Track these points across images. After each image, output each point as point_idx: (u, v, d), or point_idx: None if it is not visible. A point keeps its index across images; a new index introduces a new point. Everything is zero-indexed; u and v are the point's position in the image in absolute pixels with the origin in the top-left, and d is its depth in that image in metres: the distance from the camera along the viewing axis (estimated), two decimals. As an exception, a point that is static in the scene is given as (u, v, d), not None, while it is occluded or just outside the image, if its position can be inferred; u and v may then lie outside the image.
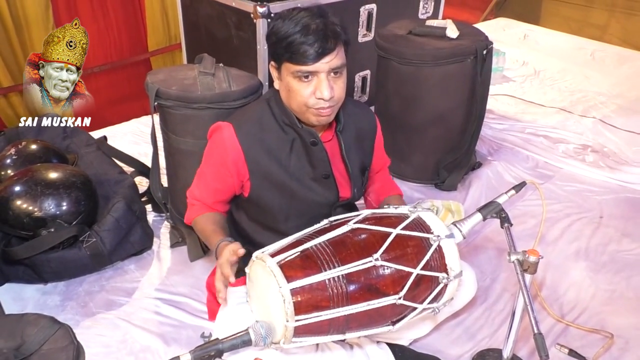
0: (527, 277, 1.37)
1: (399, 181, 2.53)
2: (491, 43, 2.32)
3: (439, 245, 1.31)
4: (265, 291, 1.22)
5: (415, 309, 1.31)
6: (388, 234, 1.28)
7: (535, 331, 1.24)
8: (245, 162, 1.38)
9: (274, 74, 1.36)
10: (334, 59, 1.27)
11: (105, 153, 2.20)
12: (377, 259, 1.23)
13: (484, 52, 2.28)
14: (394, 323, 1.32)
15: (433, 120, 2.35)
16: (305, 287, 1.18)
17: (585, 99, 3.46)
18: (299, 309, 1.16)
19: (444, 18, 2.74)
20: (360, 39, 2.93)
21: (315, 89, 1.28)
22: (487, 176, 2.51)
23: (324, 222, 1.32)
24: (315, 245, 1.26)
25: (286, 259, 1.22)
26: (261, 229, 1.51)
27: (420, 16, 3.26)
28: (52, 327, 1.19)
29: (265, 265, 1.20)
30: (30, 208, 1.73)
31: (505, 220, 1.45)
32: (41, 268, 1.77)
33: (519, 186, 1.51)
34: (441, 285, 1.31)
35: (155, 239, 2.08)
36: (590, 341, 1.68)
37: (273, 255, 1.22)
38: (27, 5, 2.95)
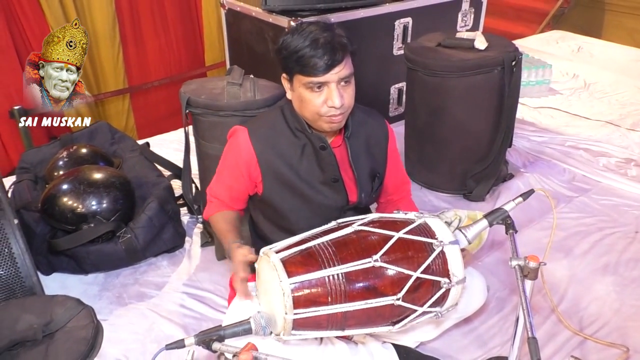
0: (528, 282, 1.37)
1: (427, 191, 2.55)
2: (520, 54, 2.31)
3: (442, 251, 1.33)
4: (269, 284, 1.30)
5: (415, 311, 1.34)
6: (390, 237, 1.32)
7: (529, 335, 1.24)
8: (258, 164, 1.47)
9: (286, 85, 1.44)
10: (342, 69, 1.34)
11: (146, 158, 2.39)
12: (376, 260, 1.27)
13: (512, 63, 2.27)
14: (394, 323, 1.35)
15: (460, 130, 2.36)
16: (305, 282, 1.25)
17: (637, 112, 3.32)
18: (297, 302, 1.23)
19: (489, 31, 2.72)
20: (395, 52, 2.99)
21: (326, 98, 1.35)
22: (518, 188, 2.48)
23: (332, 224, 1.39)
24: (319, 244, 1.32)
25: (289, 256, 1.29)
26: (276, 228, 1.59)
27: (459, 29, 3.28)
28: (77, 308, 1.33)
29: (269, 260, 1.28)
30: (74, 204, 1.92)
31: (510, 226, 1.46)
32: (82, 260, 1.94)
33: (527, 194, 1.51)
34: (443, 290, 1.33)
35: (187, 239, 2.22)
36: (607, 355, 1.63)
37: (278, 251, 1.30)
38: (97, 23, 3.26)
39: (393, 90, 3.15)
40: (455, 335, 1.70)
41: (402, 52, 2.90)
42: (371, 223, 1.39)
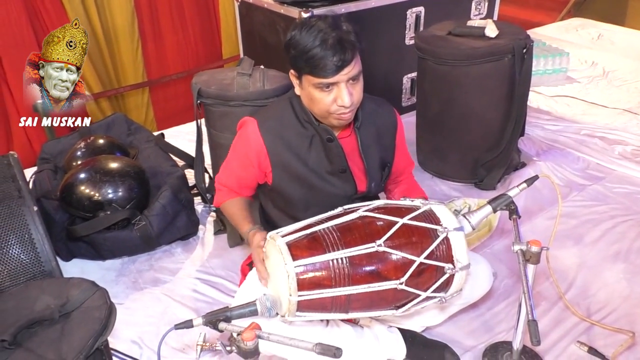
0: (530, 267, 1.38)
1: (439, 180, 2.55)
2: (531, 42, 2.29)
3: (446, 237, 1.35)
4: (275, 267, 1.34)
5: (418, 295, 1.36)
6: (394, 223, 1.35)
7: (530, 318, 1.25)
8: (267, 154, 1.51)
9: (295, 81, 1.46)
10: (352, 69, 1.35)
11: (161, 148, 2.45)
12: (380, 245, 1.30)
13: (523, 50, 2.25)
14: (397, 307, 1.38)
15: (470, 119, 2.36)
16: (309, 265, 1.29)
17: (657, 100, 3.26)
18: (302, 285, 1.27)
19: (509, 20, 2.65)
20: (408, 42, 2.99)
21: (336, 97, 1.37)
22: (529, 176, 2.45)
23: (338, 209, 1.42)
24: (324, 229, 1.36)
25: (295, 240, 1.33)
26: (285, 216, 1.63)
27: (473, 17, 3.25)
28: (91, 290, 1.38)
29: (275, 243, 1.31)
30: (91, 192, 1.99)
31: (514, 212, 1.47)
32: (99, 246, 2.02)
33: (531, 180, 1.52)
34: (447, 276, 1.35)
35: (201, 227, 2.28)
36: (614, 341, 1.63)
37: (284, 235, 1.34)
38: (116, 19, 3.33)
39: (406, 80, 3.15)
40: (462, 321, 1.72)
41: (414, 41, 2.90)
42: (376, 209, 1.42)
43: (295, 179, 1.53)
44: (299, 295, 1.27)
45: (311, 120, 1.48)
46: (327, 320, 1.47)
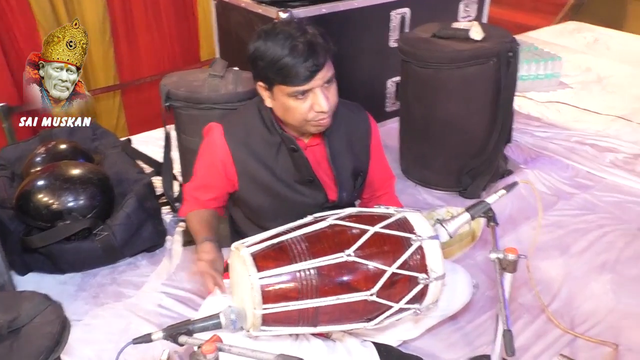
0: (508, 276, 1.40)
1: (422, 188, 2.59)
2: (517, 44, 2.34)
3: (420, 246, 1.37)
4: (240, 279, 1.35)
5: (391, 307, 1.37)
6: (365, 231, 1.36)
7: (505, 328, 1.27)
8: (233, 163, 1.52)
9: (264, 93, 1.45)
10: (326, 72, 1.37)
11: (128, 154, 2.45)
12: (349, 255, 1.31)
13: (509, 54, 2.30)
14: (369, 320, 1.39)
15: (454, 125, 2.41)
16: (275, 277, 1.29)
17: (652, 107, 3.33)
18: (267, 297, 1.28)
19: (503, 24, 2.69)
20: (392, 44, 3.02)
21: (312, 104, 1.39)
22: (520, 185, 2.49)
23: (308, 218, 1.43)
24: (291, 239, 1.37)
25: (261, 250, 1.34)
26: (254, 226, 1.64)
27: (461, 19, 3.31)
28: (44, 304, 1.38)
29: (239, 254, 1.32)
30: (49, 200, 1.99)
31: (491, 219, 1.49)
32: (58, 258, 2.01)
33: (510, 186, 1.54)
34: (420, 286, 1.36)
35: (169, 237, 2.28)
36: (598, 353, 1.67)
37: (250, 245, 1.35)
38: (86, 17, 3.33)
39: (390, 84, 3.19)
40: (441, 334, 1.75)
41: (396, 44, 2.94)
42: (348, 217, 1.44)
43: (262, 188, 1.54)
44: (264, 308, 1.28)
45: (276, 128, 1.49)
46: (297, 334, 1.48)
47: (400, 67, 2.61)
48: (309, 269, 1.32)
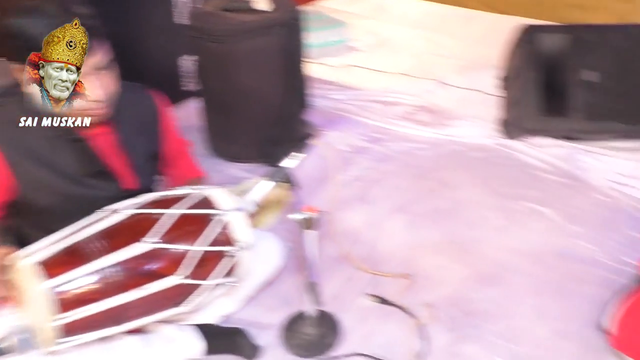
0: (311, 232, 1.50)
1: (229, 164, 2.62)
2: (299, 13, 2.46)
3: (224, 220, 1.39)
4: (28, 293, 1.25)
5: (203, 285, 1.38)
6: (166, 215, 1.35)
7: (309, 280, 1.38)
8: (6, 164, 1.37)
9: (22, 77, 1.31)
10: (99, 58, 1.30)
11: None
12: (147, 242, 1.29)
13: (293, 22, 2.41)
14: (179, 304, 1.38)
15: (250, 96, 2.47)
16: (68, 282, 1.23)
17: (430, 62, 3.75)
18: (63, 306, 1.21)
19: None
20: (176, 20, 2.95)
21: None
22: (312, 146, 2.67)
23: (102, 212, 1.36)
24: (85, 237, 1.30)
25: (49, 256, 1.25)
26: (44, 233, 1.49)
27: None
28: None
29: (21, 266, 1.22)
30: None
31: (292, 183, 1.57)
32: None
33: (299, 149, 1.63)
34: (230, 259, 1.40)
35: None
36: (397, 285, 1.89)
37: (33, 253, 1.24)
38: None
39: (186, 62, 3.12)
40: (260, 301, 1.81)
41: (183, 20, 2.89)
42: (148, 204, 1.41)
43: (43, 189, 1.42)
44: (60, 318, 1.20)
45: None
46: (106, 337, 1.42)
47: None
48: (110, 266, 1.27)
